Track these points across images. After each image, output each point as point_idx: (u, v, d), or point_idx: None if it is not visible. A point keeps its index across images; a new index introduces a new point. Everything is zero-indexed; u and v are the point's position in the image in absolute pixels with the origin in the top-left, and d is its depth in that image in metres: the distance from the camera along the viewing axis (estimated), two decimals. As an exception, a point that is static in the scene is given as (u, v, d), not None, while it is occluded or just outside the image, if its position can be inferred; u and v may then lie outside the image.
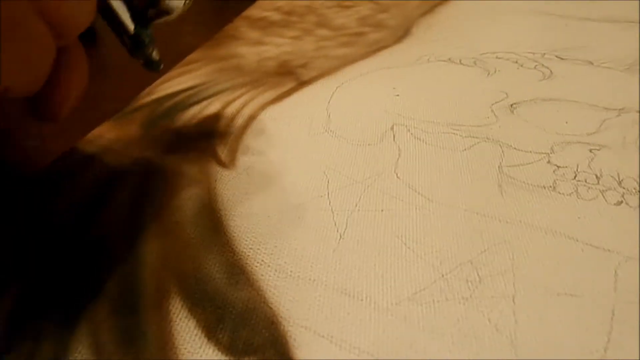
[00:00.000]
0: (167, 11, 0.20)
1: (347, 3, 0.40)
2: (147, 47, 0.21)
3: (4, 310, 0.16)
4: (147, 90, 0.28)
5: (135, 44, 0.21)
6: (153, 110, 0.26)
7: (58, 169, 0.22)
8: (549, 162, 0.20)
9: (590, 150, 0.21)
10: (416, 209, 0.19)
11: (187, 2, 0.20)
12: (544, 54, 0.29)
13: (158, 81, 0.29)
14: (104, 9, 0.20)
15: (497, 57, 0.29)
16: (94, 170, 0.22)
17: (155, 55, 0.22)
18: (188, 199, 0.20)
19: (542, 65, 0.27)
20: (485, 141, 0.22)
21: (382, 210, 0.19)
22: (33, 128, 0.25)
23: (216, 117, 0.25)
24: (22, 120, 0.19)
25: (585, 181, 0.19)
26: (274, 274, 0.17)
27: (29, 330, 0.15)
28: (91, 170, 0.22)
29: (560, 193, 0.19)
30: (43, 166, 0.22)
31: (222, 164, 0.22)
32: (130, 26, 0.20)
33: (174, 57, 0.31)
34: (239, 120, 0.25)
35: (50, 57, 0.16)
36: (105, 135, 0.24)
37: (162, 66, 0.23)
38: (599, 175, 0.19)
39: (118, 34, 0.20)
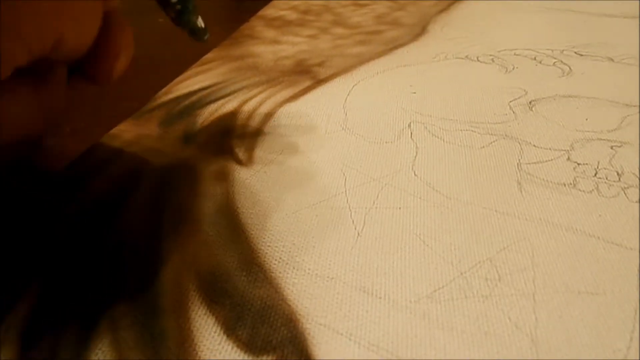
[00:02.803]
0: None
1: (363, 2, 0.40)
2: (191, 14, 0.21)
3: (26, 307, 0.16)
4: (165, 89, 0.28)
5: (179, 12, 0.21)
6: (171, 109, 0.26)
7: (78, 167, 0.22)
8: (568, 159, 0.20)
9: (611, 147, 0.20)
10: (434, 206, 0.19)
11: None
12: (563, 50, 0.28)
13: (176, 80, 0.29)
14: None
15: (515, 54, 0.28)
16: (114, 169, 0.22)
17: (200, 23, 0.22)
18: (206, 197, 0.20)
19: (561, 61, 0.27)
20: (503, 138, 0.22)
21: (399, 208, 0.19)
22: (54, 127, 0.25)
23: (233, 115, 0.25)
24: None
25: (606, 178, 0.19)
26: (292, 272, 0.17)
27: (50, 327, 0.16)
28: (111, 169, 0.22)
29: (580, 190, 0.19)
30: (64, 165, 0.22)
31: (240, 163, 0.22)
32: None
33: (191, 57, 0.31)
34: (256, 119, 0.25)
35: (98, 12, 0.16)
36: (124, 133, 0.24)
37: (208, 35, 0.22)
38: (620, 172, 0.19)
39: (162, 3, 0.20)
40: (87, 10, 0.16)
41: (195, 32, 0.22)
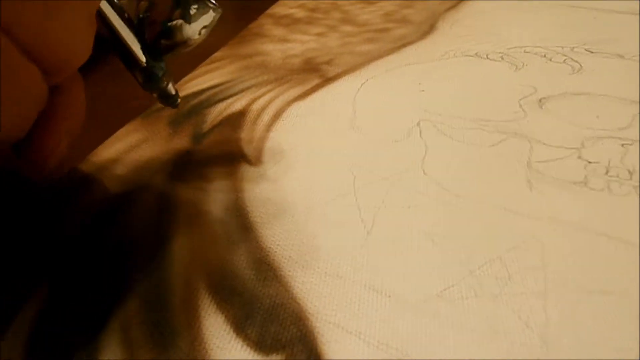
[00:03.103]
0: (180, 42, 0.19)
1: (371, -1, 0.40)
2: (160, 81, 0.20)
3: (36, 306, 0.16)
4: (173, 88, 0.28)
5: (147, 78, 0.20)
6: (179, 108, 0.26)
7: (87, 167, 0.22)
8: (579, 157, 0.20)
9: (623, 145, 0.20)
10: (444, 205, 0.19)
11: (202, 31, 0.19)
12: (573, 47, 0.28)
13: (184, 79, 0.29)
14: (113, 40, 0.19)
15: (525, 52, 0.28)
16: (122, 168, 0.22)
17: (170, 89, 0.21)
18: (215, 196, 0.20)
19: (572, 59, 0.27)
20: (513, 136, 0.21)
21: (409, 207, 0.19)
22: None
23: (242, 113, 0.25)
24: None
25: (618, 176, 0.19)
26: (302, 271, 0.17)
27: (61, 326, 0.16)
28: (119, 167, 0.22)
29: (591, 189, 0.18)
30: (71, 165, 0.23)
31: (249, 161, 0.22)
32: (142, 58, 0.19)
33: (199, 56, 0.31)
34: (265, 117, 0.25)
35: (37, 98, 0.15)
36: (132, 133, 0.25)
37: (179, 101, 0.21)
38: (631, 170, 0.19)
39: (129, 67, 0.20)
40: (23, 103, 0.14)
41: (165, 99, 0.21)
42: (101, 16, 0.18)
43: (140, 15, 0.19)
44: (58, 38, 0.14)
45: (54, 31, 0.14)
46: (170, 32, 0.19)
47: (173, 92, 0.21)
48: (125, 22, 0.19)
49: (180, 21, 0.19)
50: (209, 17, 0.19)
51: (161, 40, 0.19)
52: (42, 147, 0.16)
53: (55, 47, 0.14)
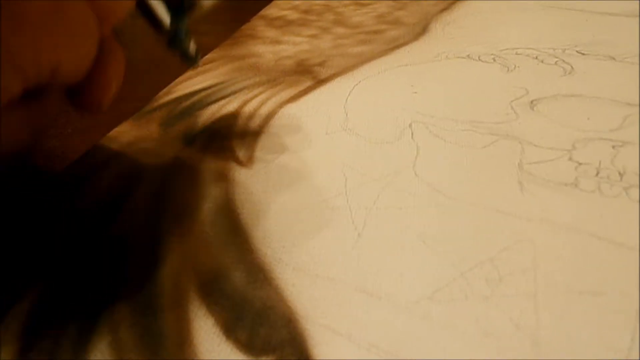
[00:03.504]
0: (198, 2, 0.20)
1: (364, 1, 0.40)
2: (183, 40, 0.21)
3: (26, 308, 0.16)
4: (165, 89, 0.28)
5: (171, 37, 0.21)
6: (171, 109, 0.26)
7: (79, 168, 0.22)
8: (570, 159, 0.20)
9: (613, 147, 0.20)
10: (435, 206, 0.19)
11: None
12: (565, 49, 0.28)
13: (176, 81, 0.29)
14: (139, 1, 0.20)
15: (516, 53, 0.28)
16: (114, 170, 0.22)
17: (192, 48, 0.22)
18: (206, 198, 0.20)
19: (563, 61, 0.27)
20: (505, 138, 0.21)
21: (400, 209, 0.19)
22: (53, 128, 0.25)
23: (234, 115, 0.25)
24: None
25: (608, 178, 0.19)
26: (292, 273, 0.17)
27: (50, 327, 0.16)
28: (111, 169, 0.22)
29: (582, 190, 0.18)
30: (64, 166, 0.22)
31: (240, 163, 0.22)
32: (166, 19, 0.20)
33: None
34: (257, 119, 0.25)
35: (95, 41, 0.16)
36: (124, 134, 0.24)
37: (200, 60, 0.22)
38: (622, 172, 0.19)
39: (154, 26, 0.20)
40: (84, 40, 0.16)
41: (187, 58, 0.22)
42: None
43: None
44: None
45: None
46: None
47: (194, 51, 0.22)
48: None
49: None
50: None
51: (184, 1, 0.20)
52: (100, 83, 0.18)
53: None
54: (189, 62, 0.22)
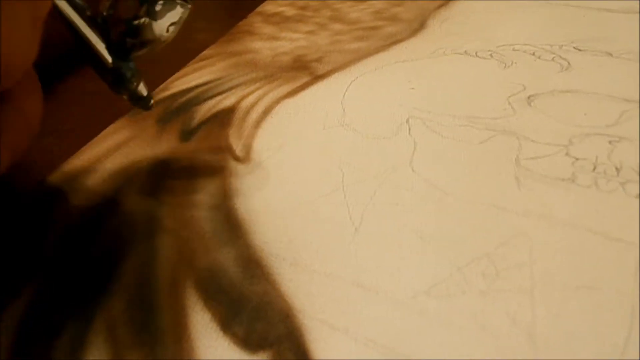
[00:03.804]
0: (148, 41, 0.18)
1: (361, -3, 0.39)
2: (129, 82, 0.19)
3: (22, 305, 0.16)
4: (161, 86, 0.28)
5: (115, 79, 0.19)
6: (168, 106, 0.26)
7: (75, 164, 0.22)
8: (567, 154, 0.20)
9: (610, 142, 0.20)
10: (432, 202, 0.19)
11: (171, 28, 0.18)
12: (562, 45, 0.28)
13: (173, 77, 0.29)
14: (77, 41, 0.18)
15: (514, 50, 0.28)
16: (110, 166, 0.22)
17: (141, 90, 0.20)
18: (203, 193, 0.20)
19: (560, 57, 0.27)
20: (502, 134, 0.21)
21: (397, 204, 0.19)
22: (51, 124, 0.25)
23: (231, 111, 0.25)
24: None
25: (605, 173, 0.19)
26: (289, 268, 0.17)
27: (46, 325, 0.16)
28: (107, 166, 0.22)
29: (579, 185, 0.18)
30: (60, 163, 0.22)
31: (237, 159, 0.22)
32: (108, 59, 0.18)
33: (188, 54, 0.31)
34: (254, 115, 0.25)
35: None
36: (121, 130, 0.24)
37: (152, 102, 0.20)
38: (618, 167, 0.19)
39: (96, 68, 0.19)
40: None
41: (136, 100, 0.20)
42: (62, 16, 0.18)
43: (104, 14, 0.18)
44: None
45: None
46: (136, 31, 0.18)
47: (144, 93, 0.20)
48: (87, 22, 0.18)
49: (146, 19, 0.18)
50: (176, 14, 0.18)
51: (127, 39, 0.18)
52: None
53: None
54: (138, 104, 0.20)
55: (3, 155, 0.15)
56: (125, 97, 0.20)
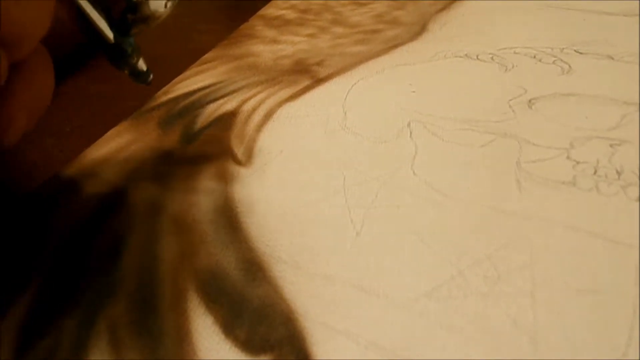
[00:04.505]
0: (148, 16, 0.19)
1: (362, 1, 0.40)
2: (130, 57, 0.20)
3: (24, 306, 0.16)
4: (163, 89, 0.28)
5: (116, 54, 0.20)
6: (170, 109, 0.26)
7: (77, 167, 0.22)
8: (568, 157, 0.20)
9: (611, 145, 0.20)
10: (433, 205, 0.19)
11: (168, 4, 0.19)
12: (563, 48, 0.28)
13: (174, 80, 0.29)
14: (80, 18, 0.18)
15: (514, 53, 0.28)
16: (112, 169, 0.22)
17: (141, 65, 0.20)
18: (205, 196, 0.20)
19: (561, 60, 0.27)
20: (503, 137, 0.21)
21: (398, 207, 0.19)
22: (53, 126, 0.25)
23: (233, 114, 0.25)
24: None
25: (606, 176, 0.19)
26: (291, 271, 0.17)
27: (48, 327, 0.16)
28: (109, 168, 0.22)
29: (580, 189, 0.19)
30: (61, 165, 0.22)
31: (239, 162, 0.22)
32: (110, 35, 0.19)
33: (190, 57, 0.31)
34: (255, 118, 0.25)
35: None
36: (122, 134, 0.24)
37: (151, 77, 0.21)
38: (619, 170, 0.19)
39: (98, 44, 0.19)
40: None
41: (136, 75, 0.21)
42: None
43: None
44: (10, 12, 0.13)
45: (6, 4, 0.13)
46: (135, 7, 0.19)
47: (144, 68, 0.21)
48: (90, 0, 0.18)
49: None
50: None
51: (127, 15, 0.19)
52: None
53: (8, 20, 0.13)
54: (138, 80, 0.21)
55: (20, 116, 0.16)
56: (126, 72, 0.21)
